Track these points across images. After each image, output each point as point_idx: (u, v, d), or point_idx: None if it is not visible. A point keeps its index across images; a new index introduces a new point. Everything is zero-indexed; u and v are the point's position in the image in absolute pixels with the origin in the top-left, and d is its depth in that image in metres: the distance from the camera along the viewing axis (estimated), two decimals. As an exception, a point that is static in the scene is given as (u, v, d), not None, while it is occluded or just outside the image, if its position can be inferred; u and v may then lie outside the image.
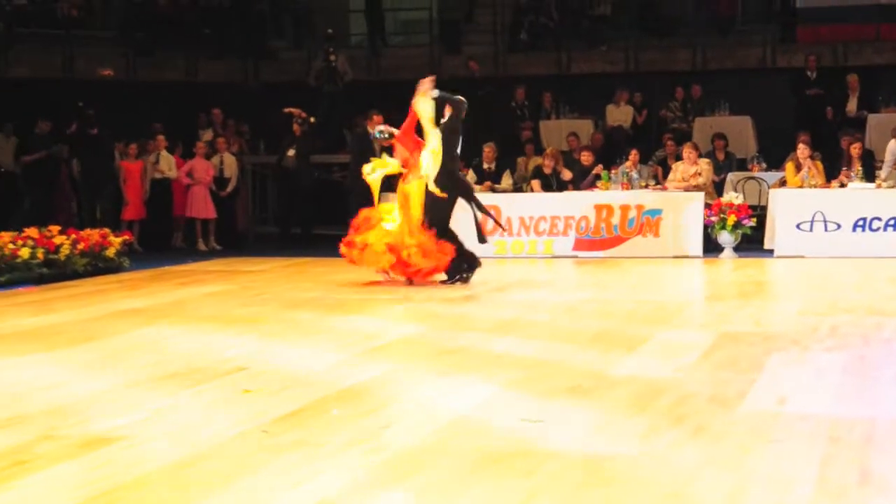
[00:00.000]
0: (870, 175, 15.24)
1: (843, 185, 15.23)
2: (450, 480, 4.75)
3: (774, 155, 17.25)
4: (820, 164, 15.54)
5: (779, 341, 8.14)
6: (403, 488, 4.64)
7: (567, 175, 16.21)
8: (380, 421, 5.82)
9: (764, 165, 16.99)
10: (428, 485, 4.69)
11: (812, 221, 14.93)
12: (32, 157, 18.56)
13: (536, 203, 15.85)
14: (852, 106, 18.70)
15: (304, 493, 4.56)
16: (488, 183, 16.54)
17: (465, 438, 5.48)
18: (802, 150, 15.53)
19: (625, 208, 15.42)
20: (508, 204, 15.83)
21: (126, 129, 18.51)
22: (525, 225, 15.71)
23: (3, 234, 13.34)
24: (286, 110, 18.06)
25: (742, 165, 17.51)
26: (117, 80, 20.85)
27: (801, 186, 15.23)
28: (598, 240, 15.44)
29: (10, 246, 13.01)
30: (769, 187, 15.94)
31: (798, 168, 15.45)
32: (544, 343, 8.26)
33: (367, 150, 16.35)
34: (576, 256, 15.30)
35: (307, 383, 6.82)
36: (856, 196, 14.97)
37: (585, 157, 16.52)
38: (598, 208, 15.49)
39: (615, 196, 15.56)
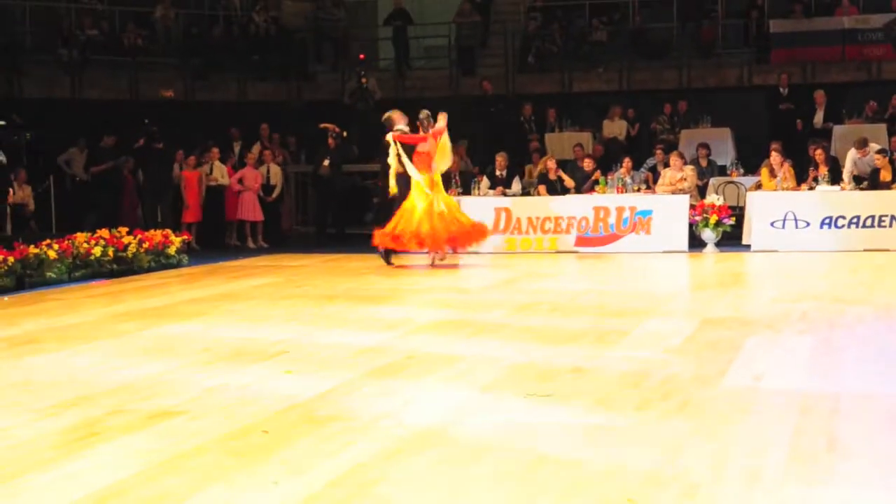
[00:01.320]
0: (835, 179, 15.21)
1: (811, 188, 15.19)
2: (467, 448, 4.73)
3: (751, 162, 17.20)
4: (791, 170, 15.48)
5: (755, 326, 8.10)
6: (426, 456, 4.63)
7: (570, 182, 16.18)
8: (405, 397, 5.81)
9: (742, 171, 16.94)
10: (448, 453, 4.67)
11: (784, 220, 14.88)
12: (100, 168, 18.63)
13: (542, 205, 15.83)
14: (819, 118, 18.64)
15: (340, 461, 4.55)
16: (500, 188, 16.54)
17: (480, 412, 5.46)
18: (775, 158, 15.49)
19: (620, 209, 15.38)
20: (518, 206, 15.83)
21: (184, 143, 18.56)
22: (532, 224, 15.68)
23: (79, 234, 13.37)
24: (322, 126, 18.05)
25: (723, 171, 17.45)
26: (177, 101, 20.88)
27: (774, 189, 15.19)
28: (597, 237, 15.42)
29: (85, 245, 13.04)
30: (746, 190, 15.90)
31: (772, 173, 15.41)
32: (549, 329, 8.23)
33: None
34: (577, 252, 15.27)
35: (342, 364, 6.81)
36: (823, 197, 14.90)
37: (587, 164, 16.51)
38: (597, 209, 15.47)
39: (611, 199, 15.53)
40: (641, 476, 4.26)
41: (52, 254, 12.39)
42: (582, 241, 15.43)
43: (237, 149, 19.40)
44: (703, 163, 17.26)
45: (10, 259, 11.77)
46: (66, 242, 12.90)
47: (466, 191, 16.39)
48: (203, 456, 4.69)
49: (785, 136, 17.66)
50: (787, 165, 15.44)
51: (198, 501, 4.04)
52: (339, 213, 18.37)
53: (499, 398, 5.76)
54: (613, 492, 4.07)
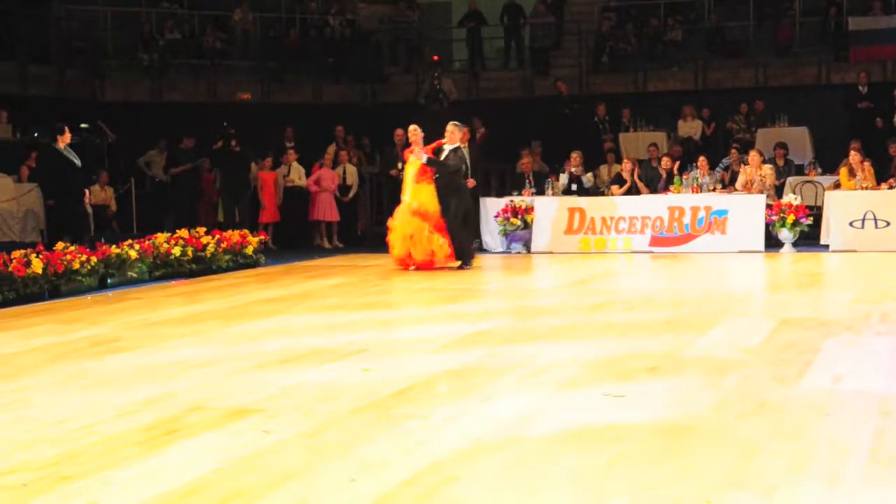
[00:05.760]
0: (915, 178, 14.97)
1: (891, 188, 14.93)
2: (542, 448, 4.71)
3: (829, 161, 16.94)
4: (871, 169, 15.23)
5: (834, 326, 7.96)
6: (501, 455, 4.61)
7: (645, 190, 16.07)
8: (480, 396, 5.80)
9: (819, 170, 16.70)
10: (523, 452, 4.65)
11: (864, 220, 14.65)
12: (179, 170, 18.89)
13: (617, 205, 15.75)
14: (899, 117, 18.35)
15: (416, 459, 4.55)
16: (574, 186, 16.52)
17: (555, 412, 5.44)
18: (854, 157, 15.25)
19: (695, 209, 15.25)
20: (593, 206, 15.76)
21: (262, 145, 18.74)
22: (607, 224, 15.61)
23: (159, 235, 13.56)
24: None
25: (800, 171, 17.23)
26: (254, 103, 21.12)
27: (854, 189, 14.96)
28: (672, 237, 15.29)
29: (165, 245, 13.23)
30: (824, 189, 15.66)
31: (851, 173, 15.17)
32: (624, 328, 8.17)
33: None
34: (651, 252, 15.16)
35: (419, 363, 6.82)
36: (903, 197, 14.67)
37: (665, 163, 16.40)
38: (672, 209, 15.35)
39: (686, 198, 15.40)
40: (719, 476, 4.21)
41: (133, 254, 12.58)
42: (656, 241, 15.32)
43: (329, 151, 19.43)
44: (780, 162, 17.04)
45: (93, 259, 11.98)
46: (147, 242, 13.10)
47: (540, 191, 16.37)
48: (280, 453, 4.71)
49: (864, 134, 17.40)
50: (866, 164, 15.20)
51: (275, 498, 4.07)
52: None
53: (574, 397, 5.73)
54: (690, 492, 4.02)
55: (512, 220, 15.84)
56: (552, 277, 12.88)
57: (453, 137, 13.55)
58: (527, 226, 15.84)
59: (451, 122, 13.70)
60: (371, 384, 6.15)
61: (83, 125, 18.66)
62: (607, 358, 6.83)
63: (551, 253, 15.40)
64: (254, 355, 7.27)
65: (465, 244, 13.43)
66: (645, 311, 9.21)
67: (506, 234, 15.95)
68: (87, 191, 14.40)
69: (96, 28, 21.91)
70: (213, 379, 6.45)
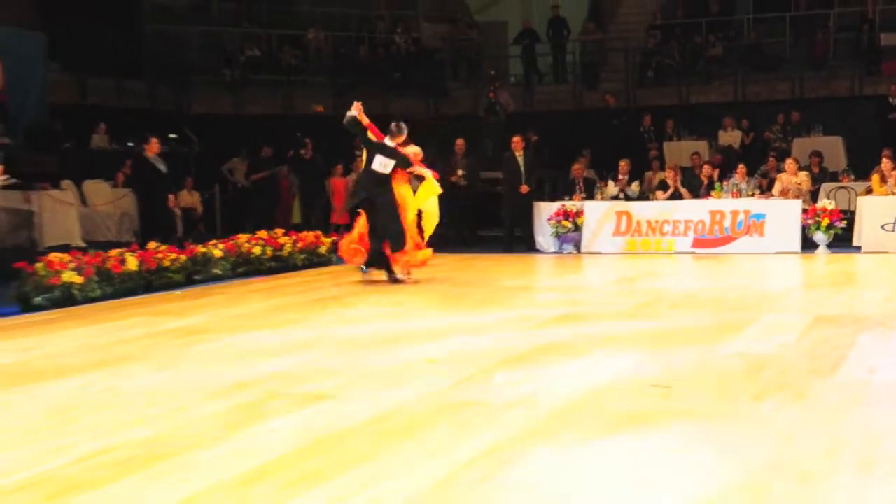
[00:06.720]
0: (944, 184, 14.69)
1: (921, 193, 14.69)
2: (593, 433, 4.69)
3: (862, 168, 16.68)
4: (902, 175, 14.98)
5: (867, 323, 7.83)
6: (556, 439, 4.60)
7: (687, 195, 15.91)
8: (535, 385, 5.78)
9: (853, 177, 16.47)
10: (576, 436, 4.64)
11: (894, 223, 14.39)
12: (259, 176, 19.05)
13: (662, 209, 15.62)
14: (928, 127, 18.03)
15: (476, 444, 4.54)
16: (621, 191, 16.45)
17: (604, 401, 5.40)
18: (886, 164, 15.01)
19: (735, 213, 15.08)
20: (639, 209, 15.67)
21: (334, 153, 18.84)
22: (652, 227, 15.48)
23: (241, 235, 13.68)
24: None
25: (834, 177, 16.98)
26: (327, 115, 21.22)
27: (885, 194, 14.72)
28: (713, 239, 15.14)
29: (246, 245, 13.34)
30: (857, 195, 15.42)
31: (883, 179, 14.93)
32: (669, 323, 8.11)
33: (514, 168, 16.41)
34: (694, 253, 15.02)
35: (478, 354, 6.81)
36: (932, 201, 14.41)
37: (707, 171, 16.27)
38: (713, 213, 15.20)
39: (727, 203, 15.24)
40: (758, 462, 4.16)
41: (217, 252, 12.71)
42: (699, 242, 15.18)
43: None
44: (816, 170, 16.81)
45: (182, 258, 12.11)
46: (230, 242, 13.22)
47: (590, 196, 16.31)
48: (351, 437, 4.73)
49: (895, 143, 17.09)
50: (897, 171, 14.94)
51: (348, 478, 4.09)
52: (471, 217, 18.40)
53: (622, 388, 5.69)
54: (733, 478, 3.98)
55: (564, 222, 15.79)
56: (601, 276, 12.80)
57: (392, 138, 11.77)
58: (577, 228, 15.78)
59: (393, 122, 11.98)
60: (434, 373, 6.15)
61: (172, 135, 18.90)
62: (653, 352, 6.78)
63: (600, 253, 15.32)
64: (326, 346, 7.31)
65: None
66: (688, 308, 9.12)
67: (558, 235, 15.91)
68: (171, 195, 14.59)
69: (184, 47, 22.16)
70: (289, 368, 6.49)
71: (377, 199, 11.51)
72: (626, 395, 5.51)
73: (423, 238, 11.85)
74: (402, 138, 11.70)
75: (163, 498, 3.89)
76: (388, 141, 11.59)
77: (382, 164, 11.45)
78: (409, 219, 11.58)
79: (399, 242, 11.50)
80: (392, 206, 11.48)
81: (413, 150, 11.92)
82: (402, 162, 11.57)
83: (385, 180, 11.50)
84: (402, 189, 11.68)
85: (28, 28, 18.19)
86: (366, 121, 11.87)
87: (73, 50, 19.23)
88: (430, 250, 11.87)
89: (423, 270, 12.07)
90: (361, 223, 11.82)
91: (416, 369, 6.35)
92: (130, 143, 17.69)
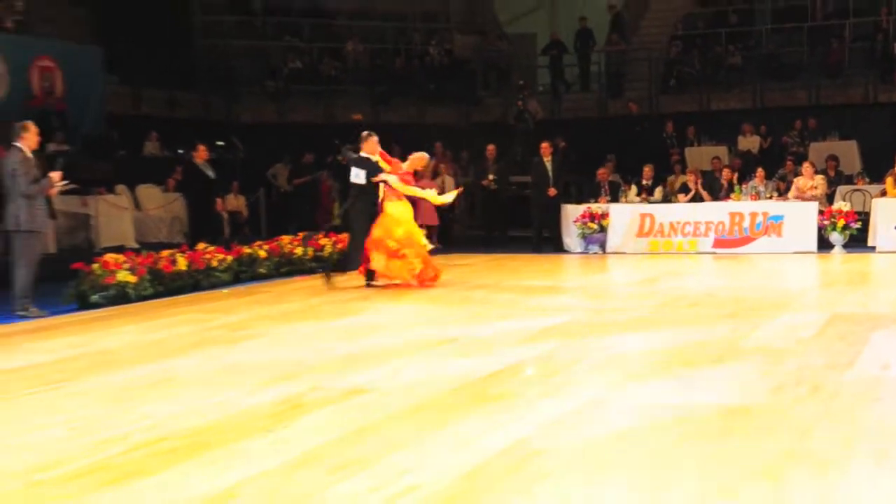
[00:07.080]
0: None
1: (934, 195, 14.52)
2: (617, 426, 4.67)
3: (876, 172, 16.50)
4: (916, 178, 14.82)
5: (882, 320, 7.75)
6: (580, 433, 4.59)
7: (707, 197, 15.79)
8: (563, 379, 5.77)
9: (867, 180, 16.29)
10: (599, 430, 4.61)
11: (908, 224, 14.27)
12: (301, 181, 19.13)
13: (683, 211, 15.54)
14: (941, 131, 17.82)
15: (506, 434, 4.54)
16: (644, 194, 16.37)
17: (628, 394, 5.39)
18: (900, 168, 14.87)
19: (753, 214, 14.98)
20: (662, 211, 15.60)
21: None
22: (674, 228, 15.41)
23: (283, 237, 13.74)
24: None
25: (849, 180, 16.81)
26: (365, 123, 21.26)
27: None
28: (732, 239, 15.04)
29: (289, 246, 13.40)
30: (872, 197, 15.26)
31: (896, 182, 14.80)
32: (690, 320, 8.06)
33: (543, 172, 16.38)
34: (714, 253, 14.93)
35: (508, 350, 6.80)
36: (945, 203, 14.24)
37: (726, 174, 16.16)
38: (732, 215, 15.10)
39: (746, 205, 15.14)
40: (776, 453, 4.13)
41: (262, 253, 12.78)
42: (719, 243, 15.09)
43: (431, 164, 19.45)
44: (832, 173, 16.66)
45: (228, 258, 12.19)
46: (274, 243, 13.29)
47: (615, 199, 16.25)
48: (390, 427, 4.75)
49: (908, 148, 16.92)
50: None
51: (388, 462, 4.10)
52: (502, 219, 18.39)
53: (645, 382, 5.67)
54: (752, 467, 3.95)
55: (589, 224, 15.75)
56: (625, 276, 12.75)
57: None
58: (602, 229, 15.73)
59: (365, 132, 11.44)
60: (466, 368, 6.15)
61: (219, 143, 19.02)
62: (674, 347, 6.75)
63: (624, 253, 15.26)
64: (363, 340, 7.33)
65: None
66: (708, 305, 9.06)
67: (584, 236, 15.87)
68: (218, 199, 14.70)
69: (231, 60, 22.31)
70: (330, 361, 6.52)
71: (350, 210, 11.32)
72: (649, 389, 5.48)
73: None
74: (369, 145, 11.16)
75: (212, 485, 3.91)
76: (362, 153, 11.19)
77: (355, 175, 11.09)
78: (396, 234, 11.00)
79: (351, 261, 11.18)
80: (359, 220, 11.05)
81: (418, 156, 11.55)
82: (371, 170, 11.01)
83: (360, 192, 11.04)
84: (398, 206, 11.18)
85: (88, 44, 18.41)
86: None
87: (130, 64, 19.46)
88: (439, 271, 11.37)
89: (453, 269, 12.01)
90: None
91: (449, 363, 6.35)
92: (180, 151, 17.82)
